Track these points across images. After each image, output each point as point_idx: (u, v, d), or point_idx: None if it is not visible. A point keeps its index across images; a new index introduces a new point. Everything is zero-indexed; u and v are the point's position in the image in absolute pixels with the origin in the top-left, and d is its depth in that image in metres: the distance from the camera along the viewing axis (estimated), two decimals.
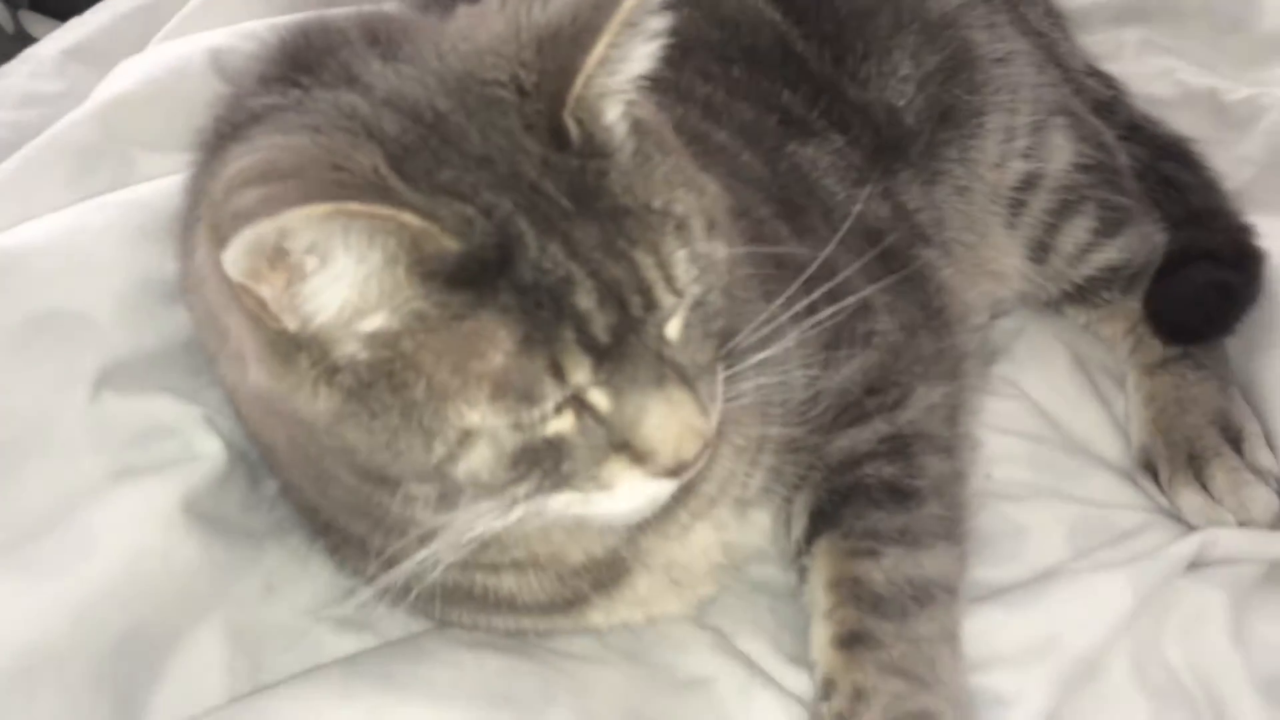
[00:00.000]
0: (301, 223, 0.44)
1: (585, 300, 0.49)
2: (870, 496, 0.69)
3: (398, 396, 0.48)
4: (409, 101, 0.50)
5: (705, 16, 0.82)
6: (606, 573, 0.64)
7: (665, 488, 0.54)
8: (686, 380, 0.52)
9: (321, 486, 0.57)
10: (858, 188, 0.80)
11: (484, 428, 0.49)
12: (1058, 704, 0.67)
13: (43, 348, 0.63)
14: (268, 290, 0.46)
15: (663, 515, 0.60)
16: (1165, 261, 0.89)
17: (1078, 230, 0.90)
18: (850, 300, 0.66)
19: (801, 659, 0.67)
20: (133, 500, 0.61)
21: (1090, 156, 0.90)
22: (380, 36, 0.54)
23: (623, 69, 0.52)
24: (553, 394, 0.49)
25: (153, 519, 0.61)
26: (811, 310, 0.63)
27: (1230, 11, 1.15)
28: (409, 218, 0.45)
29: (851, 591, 0.66)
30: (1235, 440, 0.80)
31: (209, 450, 0.66)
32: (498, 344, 0.48)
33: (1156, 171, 0.94)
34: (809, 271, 0.62)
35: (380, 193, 0.46)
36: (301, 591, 0.67)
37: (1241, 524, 0.76)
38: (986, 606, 0.70)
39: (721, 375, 0.56)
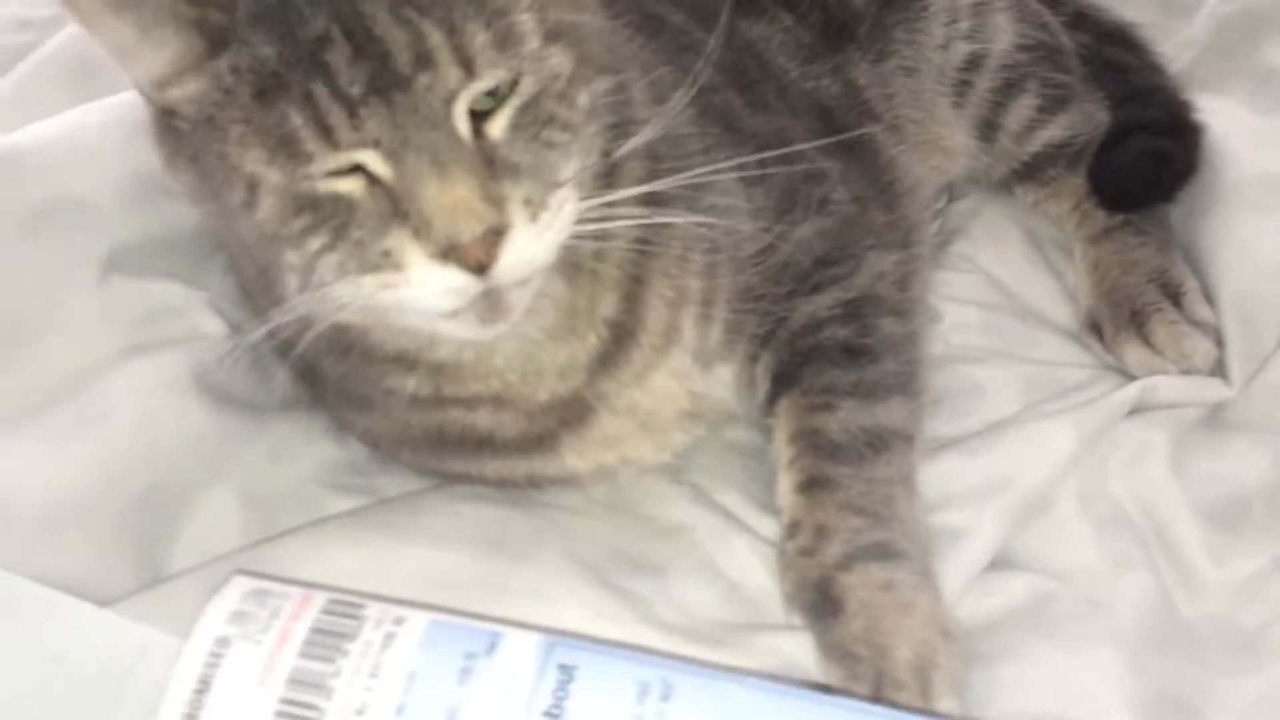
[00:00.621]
0: None
1: (337, 55, 0.51)
2: (828, 357, 0.73)
3: (209, 146, 0.54)
4: None
5: None
6: (571, 411, 0.67)
7: (457, 280, 0.53)
8: (483, 167, 0.53)
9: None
10: (809, 64, 0.83)
11: (262, 176, 0.53)
12: (1009, 535, 0.71)
13: (51, 233, 0.68)
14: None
15: (609, 360, 0.65)
16: (1107, 137, 0.93)
17: (1022, 108, 0.93)
18: (802, 168, 0.71)
19: (772, 509, 0.71)
20: (145, 371, 0.66)
21: (1032, 37, 0.94)
22: None
23: None
24: (320, 149, 0.52)
25: (164, 388, 0.66)
26: (763, 174, 0.67)
27: None
28: None
29: (810, 442, 0.70)
30: (1175, 297, 0.84)
31: (214, 330, 0.71)
32: (260, 92, 0.52)
33: (1101, 55, 0.98)
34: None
35: None
36: (306, 461, 0.72)
37: (1183, 373, 0.80)
38: (943, 454, 0.74)
39: (580, 198, 0.57)
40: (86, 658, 0.53)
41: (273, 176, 0.53)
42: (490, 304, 0.55)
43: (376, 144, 0.52)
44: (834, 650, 0.63)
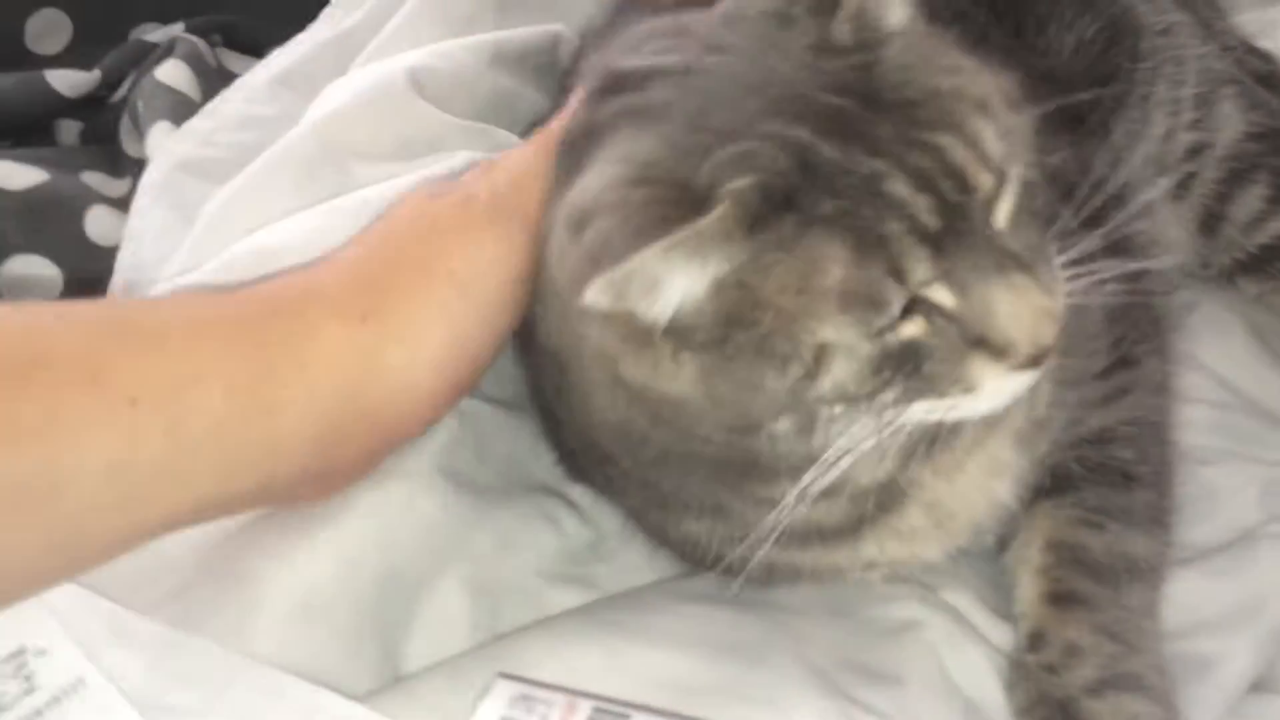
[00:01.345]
0: (642, 263, 0.48)
1: (900, 189, 0.49)
2: (1107, 478, 0.70)
3: (750, 334, 0.51)
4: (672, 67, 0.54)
5: None
6: (887, 495, 0.63)
7: (1027, 379, 0.53)
8: (1025, 264, 0.52)
9: (684, 466, 0.60)
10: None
11: (838, 341, 0.50)
12: (1268, 664, 0.67)
13: None
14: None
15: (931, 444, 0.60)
16: None
17: (1251, 199, 0.90)
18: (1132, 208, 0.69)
19: (1006, 614, 0.69)
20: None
21: (1262, 125, 0.91)
22: None
23: None
24: (895, 295, 0.50)
25: (401, 474, 0.66)
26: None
27: None
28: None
29: (1070, 555, 0.68)
30: None
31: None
32: (832, 256, 0.49)
33: None
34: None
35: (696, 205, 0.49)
36: (526, 550, 0.70)
37: None
38: (1186, 572, 0.71)
39: (1055, 255, 0.55)
40: None
41: (845, 338, 0.50)
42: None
43: (948, 272, 0.51)
44: None
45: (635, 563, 0.73)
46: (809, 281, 0.49)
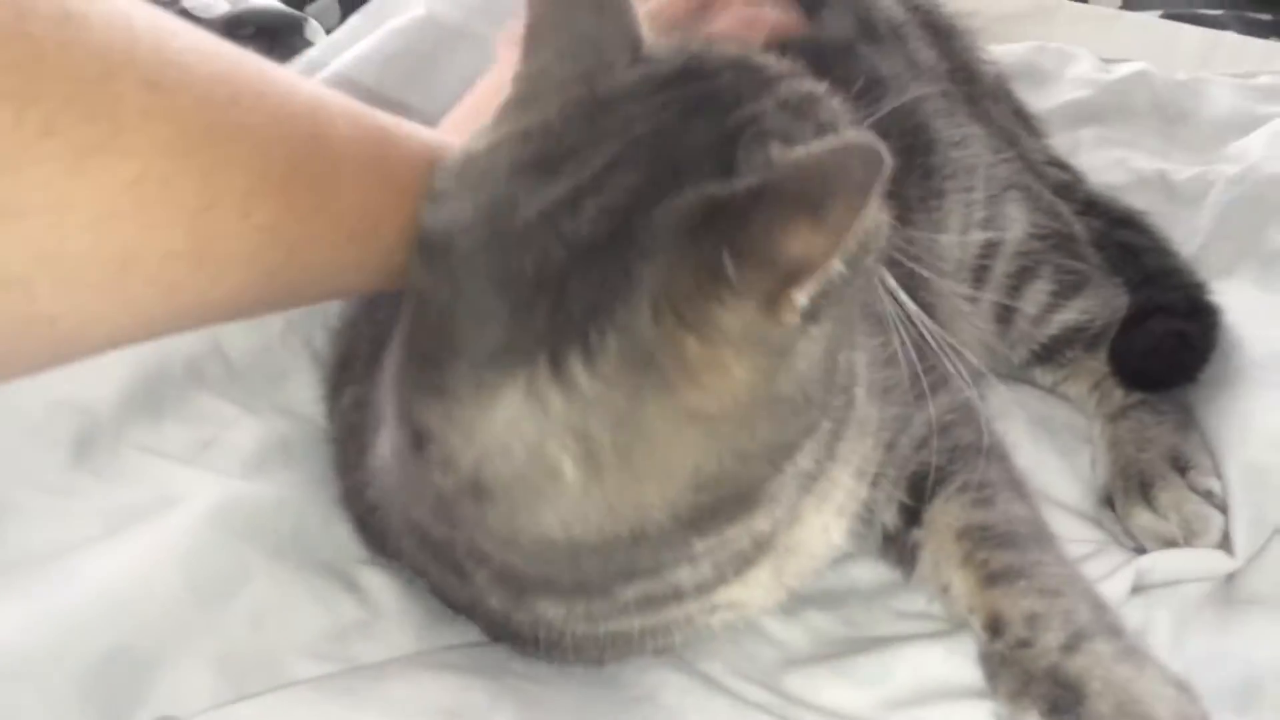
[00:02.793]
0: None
1: None
2: (964, 457, 0.76)
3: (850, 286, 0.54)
4: None
5: None
6: (757, 548, 0.65)
7: None
8: None
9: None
10: None
11: None
12: None
13: None
14: None
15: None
16: (1127, 319, 0.94)
17: (1038, 293, 0.96)
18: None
19: (752, 676, 0.71)
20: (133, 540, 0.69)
21: (1045, 226, 0.97)
22: None
23: None
24: None
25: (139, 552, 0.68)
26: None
27: (1179, 104, 1.24)
28: None
29: (980, 535, 0.72)
30: (1184, 470, 0.82)
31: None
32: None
33: (1113, 239, 1.00)
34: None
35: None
36: (289, 629, 0.71)
37: (1188, 540, 0.78)
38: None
39: None
40: None
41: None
42: None
43: None
44: None
45: (403, 643, 0.74)
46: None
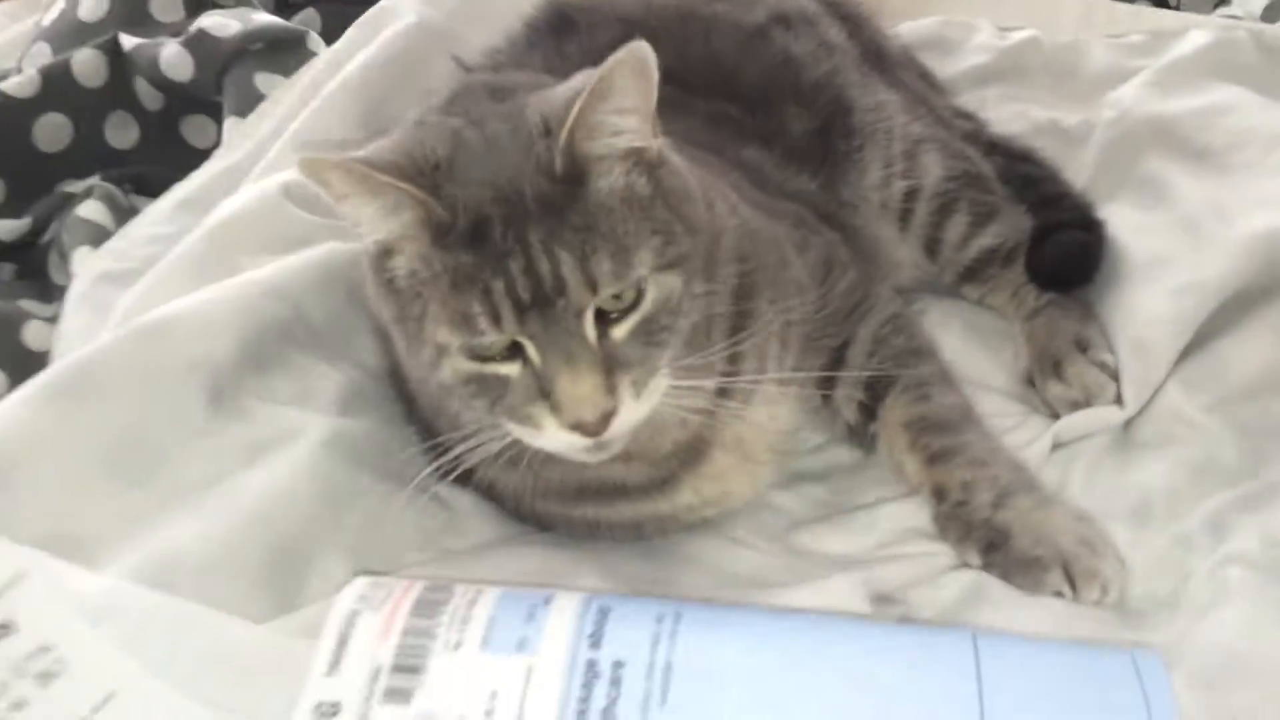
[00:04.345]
0: (338, 176, 0.71)
1: (515, 268, 0.69)
2: (902, 361, 0.95)
3: (413, 309, 0.74)
4: (482, 126, 0.75)
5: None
6: (692, 453, 0.86)
7: (578, 441, 0.73)
8: (603, 365, 0.71)
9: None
10: (791, 174, 1.08)
11: (448, 346, 0.73)
12: None
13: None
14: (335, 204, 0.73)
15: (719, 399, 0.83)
16: (1034, 236, 1.14)
17: (957, 225, 1.15)
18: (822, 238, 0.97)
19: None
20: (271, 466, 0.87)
21: (957, 168, 1.16)
22: (500, 92, 0.81)
23: (599, 132, 0.72)
24: (489, 330, 0.70)
25: (277, 475, 0.86)
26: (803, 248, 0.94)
27: (1065, 62, 1.44)
28: (415, 191, 0.70)
29: (921, 425, 0.93)
30: (1085, 350, 1.03)
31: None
32: (456, 284, 0.71)
33: (1015, 173, 1.20)
34: None
35: (407, 175, 0.71)
36: (393, 527, 0.90)
37: (1090, 402, 0.98)
38: None
39: (667, 380, 0.76)
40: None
41: (454, 345, 0.72)
42: (599, 445, 0.74)
43: (533, 337, 0.71)
44: (1018, 565, 0.84)
45: (485, 536, 0.93)
46: (443, 296, 0.72)
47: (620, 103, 0.72)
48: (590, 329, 0.72)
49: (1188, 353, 0.98)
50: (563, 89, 0.76)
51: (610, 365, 0.72)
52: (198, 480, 0.85)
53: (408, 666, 0.65)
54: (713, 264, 0.80)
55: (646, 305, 0.73)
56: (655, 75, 0.71)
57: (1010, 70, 1.45)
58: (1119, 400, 0.98)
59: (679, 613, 0.67)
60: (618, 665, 0.64)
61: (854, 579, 0.83)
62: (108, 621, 0.70)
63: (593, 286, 0.71)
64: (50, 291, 1.27)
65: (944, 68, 1.43)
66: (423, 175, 0.72)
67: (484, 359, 0.73)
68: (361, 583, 0.71)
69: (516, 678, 0.64)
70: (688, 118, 0.98)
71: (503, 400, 0.74)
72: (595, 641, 0.66)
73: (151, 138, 1.43)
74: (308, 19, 1.62)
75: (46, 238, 1.32)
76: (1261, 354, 0.96)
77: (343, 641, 0.67)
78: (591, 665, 0.65)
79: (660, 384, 0.75)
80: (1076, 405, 0.99)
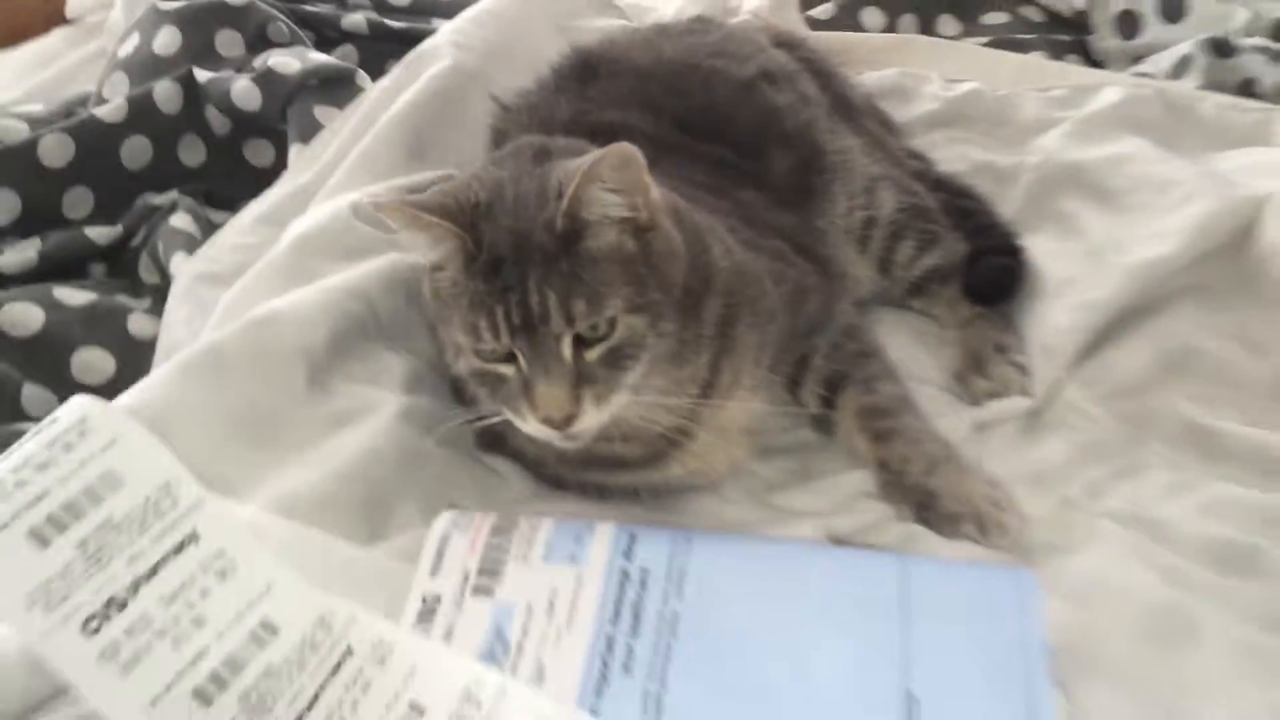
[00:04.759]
0: (399, 214, 0.92)
1: (513, 299, 0.89)
2: (854, 361, 1.16)
3: (446, 314, 0.96)
4: (518, 182, 0.94)
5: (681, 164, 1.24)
6: (679, 436, 1.03)
7: (550, 432, 0.92)
8: (572, 378, 0.90)
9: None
10: (775, 210, 1.27)
11: (464, 346, 0.94)
12: None
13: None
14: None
15: (703, 397, 1.04)
16: (969, 259, 1.36)
17: (906, 249, 1.36)
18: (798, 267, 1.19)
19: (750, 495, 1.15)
20: (358, 431, 1.09)
21: (907, 202, 1.37)
22: (543, 154, 0.99)
23: (591, 204, 0.90)
24: (491, 340, 0.90)
25: (364, 437, 1.08)
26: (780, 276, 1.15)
27: (1001, 112, 1.63)
28: (454, 229, 0.90)
29: (869, 412, 1.12)
30: (1004, 352, 1.25)
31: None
32: (472, 303, 0.91)
33: (955, 205, 1.41)
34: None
35: (451, 215, 0.91)
36: (456, 489, 1.12)
37: (1006, 393, 1.21)
38: None
39: (628, 396, 0.95)
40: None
41: (468, 346, 0.93)
42: (566, 436, 0.94)
43: (522, 350, 0.91)
44: (943, 519, 1.02)
45: (525, 493, 1.15)
46: (463, 307, 0.93)
47: (608, 184, 0.90)
48: (567, 350, 0.91)
49: (1084, 357, 1.22)
50: (575, 163, 0.92)
51: (579, 379, 0.91)
52: (303, 441, 1.08)
53: (490, 570, 0.89)
54: (696, 304, 1.00)
55: (615, 338, 0.92)
56: (641, 163, 0.90)
57: (956, 117, 1.65)
58: (1028, 393, 1.22)
59: (689, 537, 0.92)
60: (644, 571, 0.89)
61: (817, 525, 1.06)
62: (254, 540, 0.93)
63: (569, 320, 0.90)
64: (139, 289, 1.48)
65: (901, 112, 1.66)
66: (464, 214, 0.92)
67: (488, 360, 0.94)
68: (450, 513, 0.95)
69: (569, 580, 0.89)
70: (694, 162, 1.22)
71: (500, 392, 0.95)
72: (628, 555, 0.90)
73: (218, 158, 1.64)
74: (346, 53, 1.84)
75: (135, 242, 1.53)
76: (1140, 359, 1.21)
77: (439, 554, 0.91)
78: (624, 572, 0.89)
79: (621, 398, 0.93)
80: (994, 396, 1.22)
